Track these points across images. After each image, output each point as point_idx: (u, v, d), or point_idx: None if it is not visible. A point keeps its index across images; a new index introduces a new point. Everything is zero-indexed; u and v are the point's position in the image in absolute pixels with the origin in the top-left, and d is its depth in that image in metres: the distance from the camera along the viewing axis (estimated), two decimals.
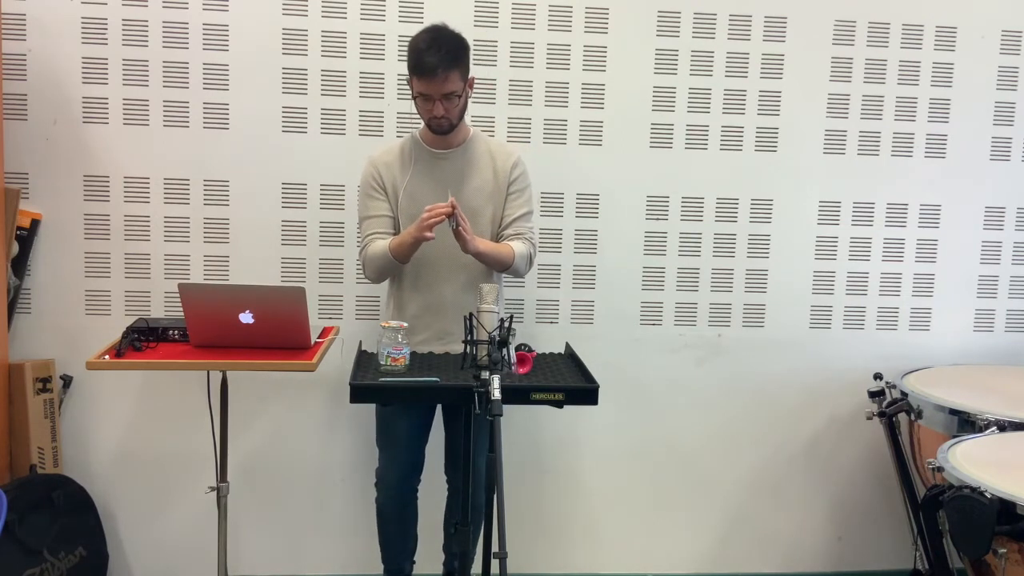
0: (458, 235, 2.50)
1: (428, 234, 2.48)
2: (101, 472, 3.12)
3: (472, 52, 2.99)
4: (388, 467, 2.79)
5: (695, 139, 3.21)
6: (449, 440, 2.83)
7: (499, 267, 2.69)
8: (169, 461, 3.14)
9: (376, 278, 2.75)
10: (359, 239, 2.75)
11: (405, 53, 3.03)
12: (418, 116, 2.65)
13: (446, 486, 2.90)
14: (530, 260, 2.75)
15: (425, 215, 2.48)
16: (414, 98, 2.59)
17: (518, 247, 2.68)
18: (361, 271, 3.10)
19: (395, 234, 2.69)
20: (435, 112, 2.56)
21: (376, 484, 2.82)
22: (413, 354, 2.52)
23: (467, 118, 2.73)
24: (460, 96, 2.57)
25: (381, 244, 2.64)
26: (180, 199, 3.06)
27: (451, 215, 2.47)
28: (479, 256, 2.59)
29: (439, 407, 2.83)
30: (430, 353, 2.67)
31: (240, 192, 3.07)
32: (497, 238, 2.74)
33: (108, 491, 3.12)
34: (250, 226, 3.09)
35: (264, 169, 3.07)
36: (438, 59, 2.48)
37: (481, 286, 2.33)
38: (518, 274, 2.76)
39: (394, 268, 2.68)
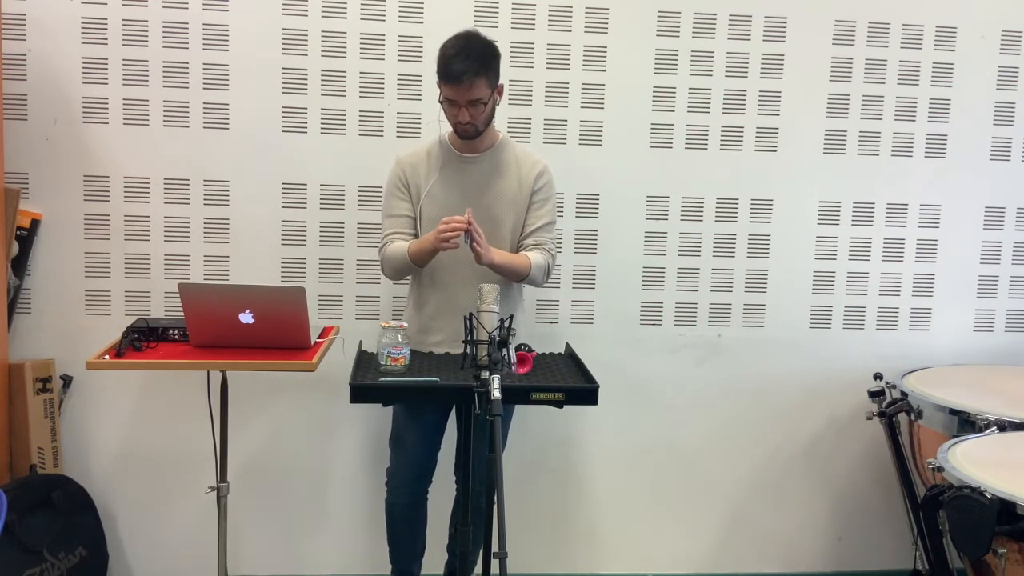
0: (472, 248, 2.51)
1: (446, 245, 2.49)
2: (101, 472, 3.12)
3: None
4: (399, 468, 2.78)
5: (695, 139, 3.21)
6: (461, 442, 2.83)
7: (515, 278, 2.69)
8: (169, 461, 3.14)
9: (394, 277, 2.77)
10: (380, 237, 2.75)
11: (405, 53, 3.06)
12: (445, 119, 2.65)
13: (453, 487, 2.90)
14: (547, 271, 2.75)
15: (441, 227, 2.48)
16: (441, 102, 2.59)
17: (535, 258, 2.68)
18: (362, 271, 3.11)
19: (414, 234, 2.70)
20: (461, 118, 2.56)
21: (386, 484, 2.82)
22: (414, 354, 2.52)
23: (497, 123, 2.73)
24: (486, 103, 2.57)
25: (400, 245, 2.66)
26: (180, 199, 3.06)
27: (467, 231, 2.47)
28: (493, 268, 2.59)
29: (453, 410, 2.82)
30: (431, 353, 2.68)
31: (240, 192, 3.07)
32: (517, 247, 2.74)
33: (108, 491, 3.12)
34: (250, 226, 3.09)
35: (264, 169, 3.07)
36: (465, 66, 2.48)
37: (481, 286, 2.33)
38: (535, 284, 2.76)
39: (412, 270, 2.70)
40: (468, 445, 2.47)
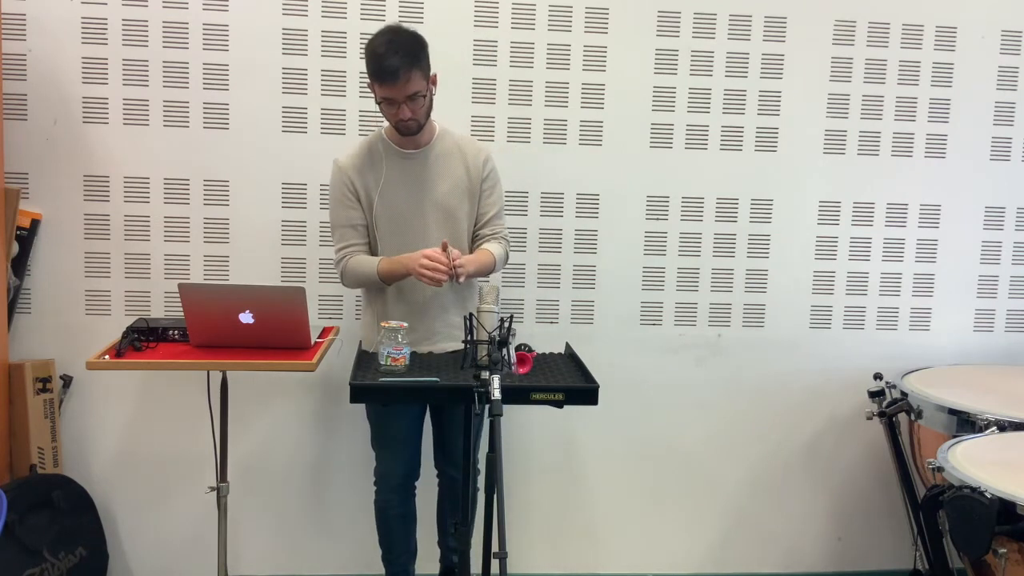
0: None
1: (427, 283, 2.48)
2: (101, 472, 3.12)
3: (472, 52, 3.00)
4: (387, 466, 2.78)
5: (695, 139, 3.21)
6: (437, 431, 2.84)
7: (485, 275, 2.72)
8: (169, 461, 3.14)
9: (354, 287, 2.76)
10: (334, 245, 2.72)
11: None
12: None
13: (434, 482, 2.91)
14: (506, 258, 2.78)
15: (425, 263, 2.45)
16: (378, 103, 2.56)
17: (496, 250, 2.70)
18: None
19: (368, 242, 2.69)
20: (401, 115, 2.53)
21: (375, 484, 2.81)
22: (413, 354, 2.52)
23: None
24: (424, 95, 2.54)
25: (366, 261, 2.64)
26: (180, 199, 3.06)
27: (451, 276, 2.46)
28: (470, 278, 2.59)
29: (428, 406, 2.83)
30: (430, 353, 2.68)
31: (240, 192, 3.07)
32: (473, 237, 2.74)
33: (108, 491, 3.12)
34: (250, 226, 3.09)
35: (264, 169, 3.07)
36: (397, 61, 2.44)
37: (481, 286, 2.33)
38: (494, 271, 2.77)
39: (378, 286, 2.68)
40: (467, 445, 2.47)
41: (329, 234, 3.08)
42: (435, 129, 2.71)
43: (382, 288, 2.70)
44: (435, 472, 2.90)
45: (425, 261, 2.46)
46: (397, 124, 2.57)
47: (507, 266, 2.92)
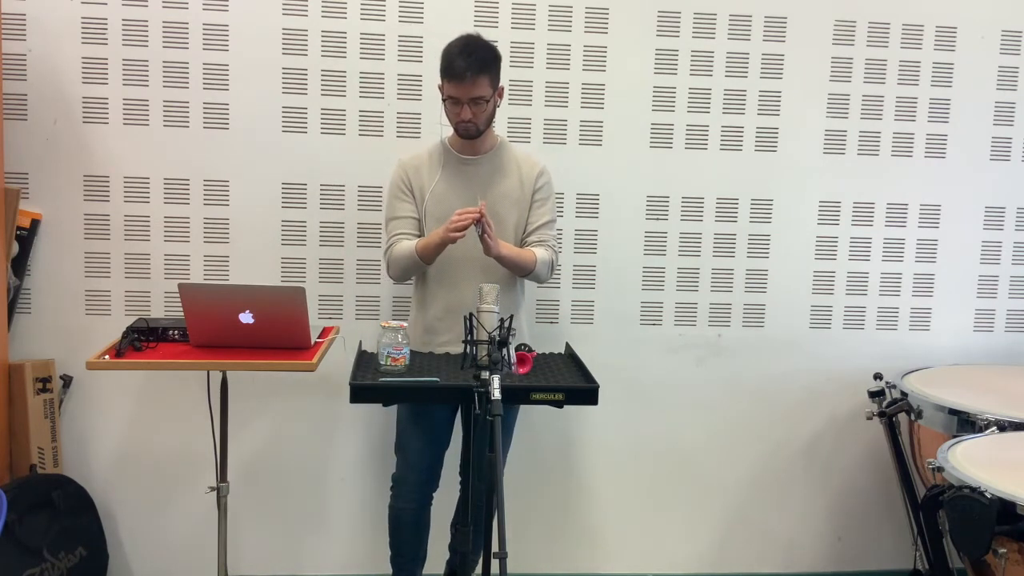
0: (482, 239, 2.54)
1: (455, 235, 2.52)
2: (101, 472, 3.12)
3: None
4: (405, 474, 2.78)
5: (695, 139, 3.21)
6: (466, 440, 2.83)
7: (520, 272, 2.72)
8: (169, 461, 3.14)
9: (400, 277, 2.78)
10: (384, 239, 2.77)
11: (405, 53, 3.07)
12: (445, 121, 2.69)
13: (455, 487, 2.89)
14: (552, 266, 2.78)
15: (454, 218, 2.52)
16: (444, 101, 2.63)
17: (540, 253, 2.72)
18: (362, 271, 3.11)
19: (419, 235, 2.73)
20: (462, 116, 2.60)
21: (392, 488, 2.81)
22: (415, 354, 2.52)
23: (497, 124, 2.74)
24: (488, 102, 2.61)
25: (407, 244, 2.68)
26: (180, 199, 3.06)
27: (479, 221, 2.51)
28: (501, 260, 2.62)
29: (459, 412, 2.83)
30: (431, 353, 2.68)
31: (240, 192, 3.07)
32: (521, 245, 2.77)
33: (108, 491, 3.12)
34: (250, 226, 3.09)
35: (264, 169, 3.07)
36: (467, 64, 2.54)
37: (481, 286, 2.33)
38: (539, 279, 2.80)
39: (418, 268, 2.72)
40: (467, 445, 2.47)
41: (329, 235, 3.11)
42: (496, 140, 2.77)
43: (426, 282, 2.73)
44: (459, 479, 2.89)
45: (455, 216, 2.52)
46: (457, 125, 2.65)
47: None
